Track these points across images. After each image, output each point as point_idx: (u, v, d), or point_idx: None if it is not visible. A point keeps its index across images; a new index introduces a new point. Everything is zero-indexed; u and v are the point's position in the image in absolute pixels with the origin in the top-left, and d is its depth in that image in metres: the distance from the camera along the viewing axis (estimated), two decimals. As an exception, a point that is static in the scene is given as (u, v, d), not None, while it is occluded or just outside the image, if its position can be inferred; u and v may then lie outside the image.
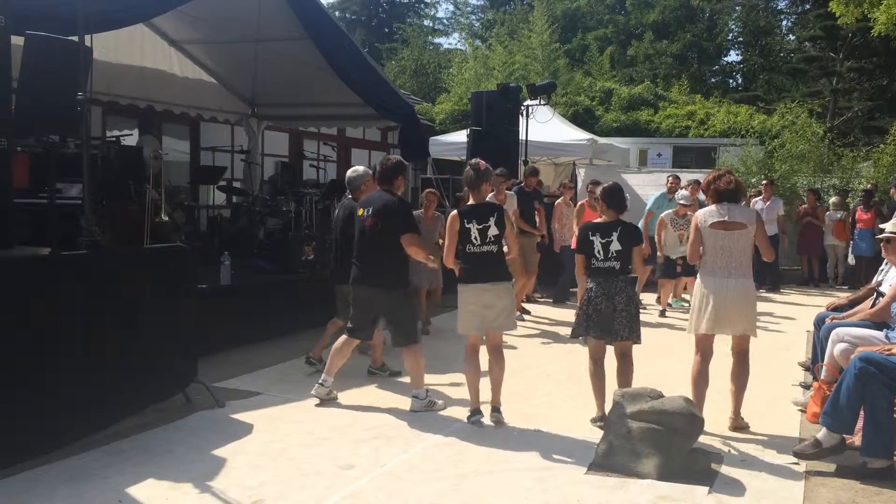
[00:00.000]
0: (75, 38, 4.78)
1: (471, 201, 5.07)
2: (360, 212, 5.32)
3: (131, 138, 10.39)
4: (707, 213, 4.92)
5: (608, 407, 4.69)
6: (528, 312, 9.13)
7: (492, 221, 4.90)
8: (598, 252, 4.90)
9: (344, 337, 5.46)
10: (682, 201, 9.29)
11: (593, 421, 5.02)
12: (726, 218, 4.83)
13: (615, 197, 5.07)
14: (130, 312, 4.68)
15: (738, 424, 4.93)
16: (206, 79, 11.08)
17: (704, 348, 4.95)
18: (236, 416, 5.07)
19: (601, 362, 5.04)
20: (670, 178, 10.59)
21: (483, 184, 5.02)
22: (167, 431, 4.75)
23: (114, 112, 10.62)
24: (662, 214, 9.42)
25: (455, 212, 5.04)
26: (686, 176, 11.70)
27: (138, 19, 8.03)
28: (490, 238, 4.91)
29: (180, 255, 5.47)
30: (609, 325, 4.87)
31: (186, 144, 12.71)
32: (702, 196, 11.66)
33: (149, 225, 7.07)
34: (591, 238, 4.94)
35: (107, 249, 5.47)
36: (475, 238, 4.91)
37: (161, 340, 4.91)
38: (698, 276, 5.00)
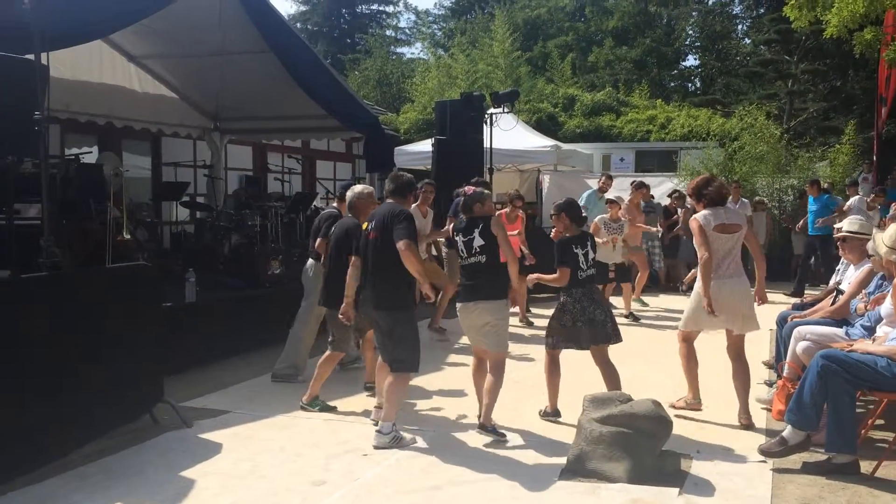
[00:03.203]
0: (31, 57, 4.71)
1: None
2: (365, 226, 5.04)
3: (91, 156, 10.22)
4: (710, 217, 5.05)
5: (559, 403, 5.21)
6: (444, 330, 8.25)
7: (476, 233, 4.89)
8: (583, 263, 5.12)
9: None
10: (610, 196, 9.28)
11: (544, 414, 5.31)
12: (726, 221, 5.04)
13: (576, 210, 5.35)
14: (93, 334, 4.60)
15: (750, 422, 5.07)
16: (167, 94, 10.96)
17: (689, 337, 5.28)
18: (205, 435, 5.00)
19: (558, 361, 5.30)
20: (603, 178, 10.62)
21: (474, 205, 5.01)
22: (135, 453, 4.67)
23: (72, 129, 10.42)
24: (595, 219, 9.06)
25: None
26: (649, 180, 11.85)
27: (96, 36, 7.92)
28: (475, 249, 4.89)
29: (143, 273, 5.40)
30: (602, 333, 5.07)
31: (148, 160, 12.54)
32: (664, 200, 11.88)
33: (110, 244, 6.98)
34: (575, 251, 5.13)
35: (68, 270, 5.38)
36: (462, 251, 4.98)
37: (125, 361, 4.82)
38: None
